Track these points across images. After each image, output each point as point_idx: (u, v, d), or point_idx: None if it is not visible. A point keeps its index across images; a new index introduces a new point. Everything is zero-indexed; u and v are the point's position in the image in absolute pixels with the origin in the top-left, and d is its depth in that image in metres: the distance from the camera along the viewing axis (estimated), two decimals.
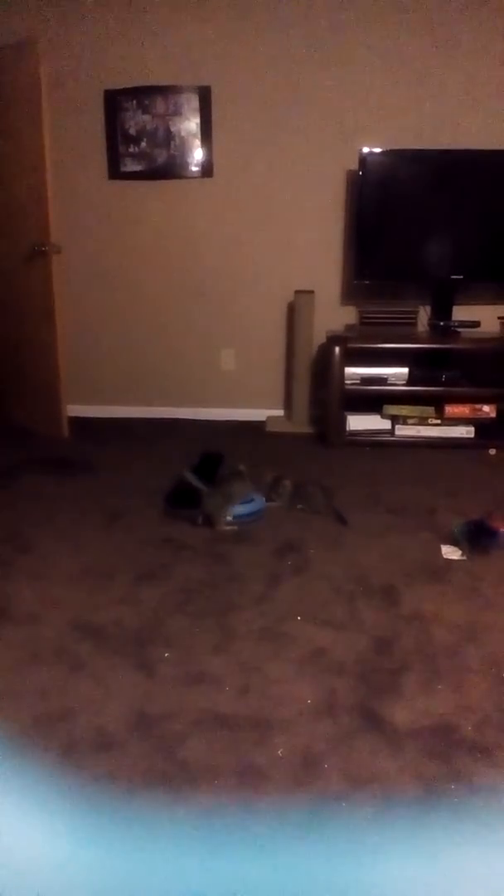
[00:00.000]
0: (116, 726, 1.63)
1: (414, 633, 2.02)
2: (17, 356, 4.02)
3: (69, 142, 3.99)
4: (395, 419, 3.76)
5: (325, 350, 3.73)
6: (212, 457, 3.14)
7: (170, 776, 1.48)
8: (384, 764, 1.52)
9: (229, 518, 2.74)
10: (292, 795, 1.43)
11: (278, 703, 1.72)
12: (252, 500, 2.82)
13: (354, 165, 3.77)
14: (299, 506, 2.88)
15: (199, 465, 3.05)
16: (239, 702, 1.72)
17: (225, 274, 4.15)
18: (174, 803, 1.41)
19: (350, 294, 4.07)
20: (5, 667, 1.86)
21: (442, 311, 3.87)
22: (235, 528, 2.72)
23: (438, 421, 3.73)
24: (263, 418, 4.22)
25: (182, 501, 2.85)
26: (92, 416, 4.29)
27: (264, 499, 2.87)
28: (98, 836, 1.34)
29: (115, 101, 3.95)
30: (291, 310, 4.09)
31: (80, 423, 4.06)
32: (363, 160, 3.66)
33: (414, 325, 3.89)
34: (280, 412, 4.30)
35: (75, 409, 4.15)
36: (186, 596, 2.23)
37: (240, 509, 2.77)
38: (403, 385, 3.73)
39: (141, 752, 1.55)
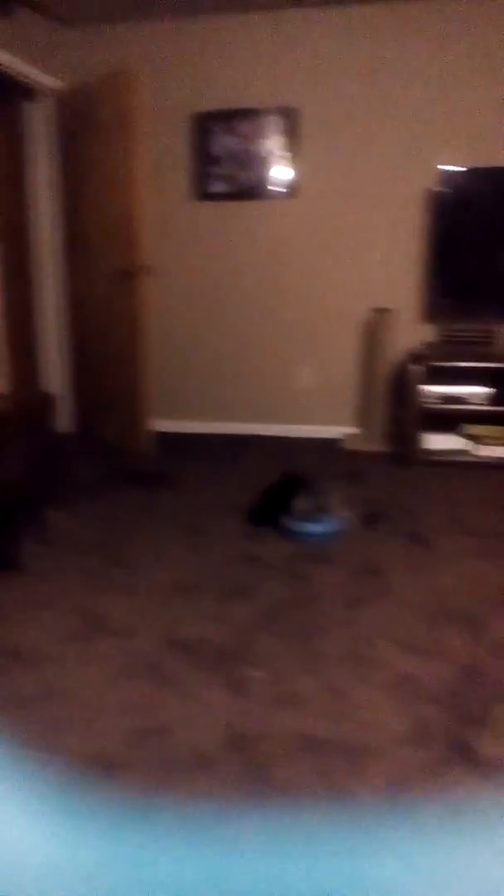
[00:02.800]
0: (209, 744, 1.70)
1: (501, 661, 2.02)
2: (106, 373, 4.18)
3: (158, 164, 4.13)
4: (474, 439, 3.73)
5: (403, 368, 3.74)
6: (290, 476, 3.18)
7: (264, 796, 1.54)
8: (475, 794, 1.53)
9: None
10: (386, 822, 1.47)
11: (368, 728, 1.75)
12: (331, 520, 2.86)
13: (435, 184, 3.77)
14: (378, 526, 2.90)
15: (279, 485, 3.11)
16: (329, 725, 1.76)
17: (305, 292, 4.21)
18: (269, 823, 1.46)
19: (429, 313, 4.06)
20: (102, 679, 1.95)
21: None
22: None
23: None
24: (339, 436, 4.25)
25: (265, 518, 2.92)
26: (177, 430, 4.40)
27: (343, 518, 2.90)
28: (194, 854, 1.40)
29: (202, 124, 4.07)
30: (368, 328, 4.11)
31: (164, 439, 4.18)
32: (443, 178, 3.66)
33: (492, 344, 3.86)
34: (356, 430, 4.32)
35: (162, 424, 4.28)
36: (272, 615, 2.28)
37: (319, 528, 2.82)
38: (483, 405, 3.70)
39: (234, 771, 1.61)
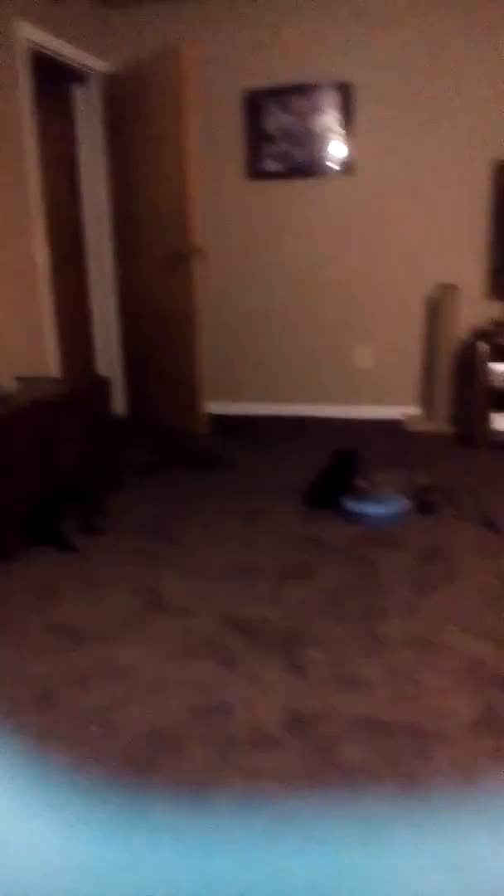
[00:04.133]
0: (271, 724, 1.65)
1: None
2: (160, 356, 4.17)
3: (210, 144, 4.08)
4: None
5: (470, 346, 3.59)
6: (344, 455, 3.09)
7: (327, 779, 1.48)
8: None
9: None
10: (451, 806, 1.38)
11: (434, 713, 1.67)
12: (395, 501, 2.76)
13: (500, 155, 3.59)
14: (446, 510, 2.78)
15: (333, 464, 3.03)
16: (394, 709, 1.69)
17: (364, 270, 4.09)
18: (332, 805, 1.40)
19: (495, 289, 3.89)
20: (162, 657, 1.93)
21: None
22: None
23: None
24: (400, 416, 4.12)
25: (324, 500, 2.85)
26: (231, 413, 4.37)
27: (408, 501, 2.80)
28: (256, 835, 1.35)
29: (254, 102, 3.99)
30: (432, 305, 3.96)
31: (220, 421, 4.15)
32: None
33: None
34: (418, 411, 4.19)
35: (215, 407, 4.25)
36: (332, 597, 2.22)
37: (382, 509, 2.72)
38: None
39: (297, 752, 1.55)
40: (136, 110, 3.87)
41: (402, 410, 4.17)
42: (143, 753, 1.56)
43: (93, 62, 3.92)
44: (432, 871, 1.26)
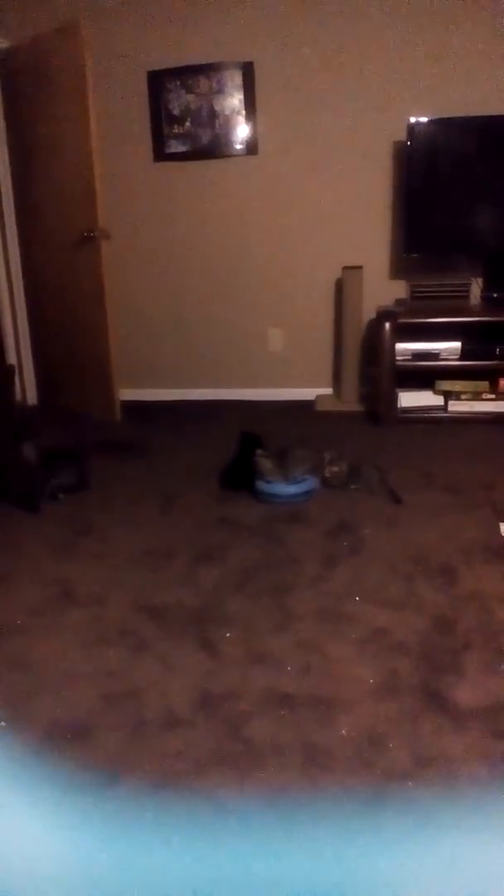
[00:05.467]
0: (183, 705, 1.67)
1: (474, 612, 2.01)
2: (70, 341, 4.09)
3: (114, 125, 3.99)
4: (447, 395, 3.70)
5: (375, 326, 3.69)
6: (250, 437, 3.13)
7: (236, 755, 1.52)
8: (448, 744, 1.52)
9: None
10: (357, 775, 1.45)
11: (340, 682, 1.73)
12: (305, 480, 2.82)
13: (402, 136, 3.68)
14: (353, 485, 2.86)
15: (240, 447, 3.06)
16: (301, 681, 1.74)
17: (271, 253, 4.12)
18: (242, 782, 1.44)
19: (400, 268, 4.00)
20: (73, 647, 1.92)
21: (495, 283, 3.77)
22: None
23: (493, 396, 3.65)
24: (312, 397, 4.20)
25: (236, 482, 2.88)
26: (143, 399, 4.34)
27: (316, 478, 2.87)
28: (168, 814, 1.38)
29: (158, 82, 3.93)
30: (339, 286, 4.04)
31: (132, 407, 4.11)
32: (411, 130, 3.57)
33: (466, 298, 3.80)
34: (329, 391, 4.27)
35: (127, 393, 4.20)
36: (244, 576, 2.26)
37: (292, 489, 2.78)
38: (456, 360, 3.66)
39: (208, 731, 1.59)
40: (36, 88, 3.74)
41: (315, 392, 4.25)
42: (51, 744, 1.56)
43: None
44: (340, 843, 1.32)
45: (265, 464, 2.78)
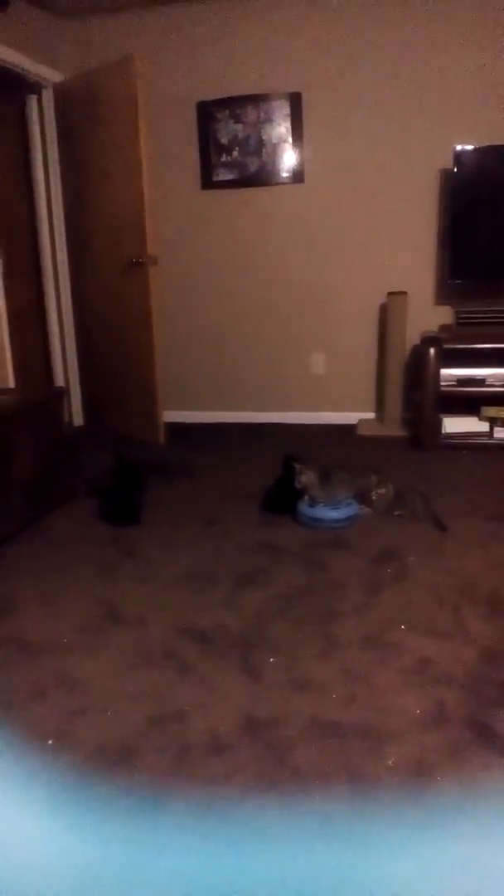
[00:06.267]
0: (227, 729, 1.67)
1: None
2: (116, 365, 4.17)
3: (163, 154, 4.10)
4: (493, 421, 3.66)
5: (420, 351, 3.68)
6: (294, 460, 3.11)
7: (281, 781, 1.50)
8: (497, 776, 1.49)
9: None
10: (404, 805, 1.43)
11: (386, 712, 1.71)
12: (349, 504, 2.81)
13: (447, 164, 3.70)
14: (397, 512, 2.84)
15: (284, 470, 3.05)
16: (347, 710, 1.73)
17: (316, 278, 4.15)
18: (286, 809, 1.43)
19: (444, 295, 3.99)
20: (118, 668, 1.94)
21: None
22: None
23: None
24: (354, 421, 4.19)
25: (278, 506, 2.88)
26: (187, 421, 4.39)
27: (360, 504, 2.85)
28: (212, 839, 1.37)
29: (207, 112, 4.03)
30: (384, 312, 4.05)
31: (176, 429, 4.16)
32: (457, 157, 3.59)
33: None
34: (371, 415, 4.26)
35: (171, 415, 4.26)
36: (287, 602, 2.25)
37: (335, 513, 2.77)
38: (501, 386, 3.63)
39: (252, 757, 1.58)
40: (90, 120, 3.88)
41: (356, 416, 4.24)
42: (98, 764, 1.57)
43: (45, 71, 3.91)
44: (394, 870, 1.30)
45: (308, 477, 2.78)
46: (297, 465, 2.82)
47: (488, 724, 1.65)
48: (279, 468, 3.12)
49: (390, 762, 1.54)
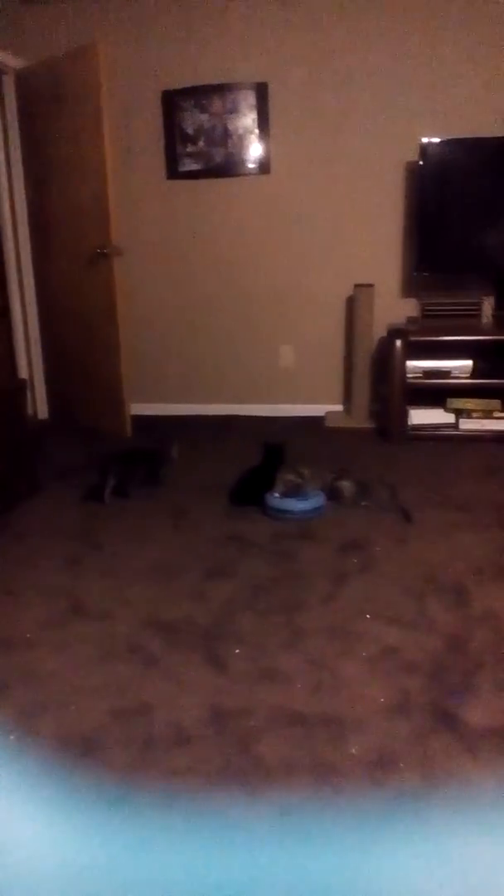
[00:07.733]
0: (192, 721, 1.66)
1: (486, 632, 1.99)
2: (81, 357, 4.11)
3: (128, 144, 4.05)
4: (458, 413, 3.70)
5: (386, 344, 3.70)
6: (274, 448, 3.12)
7: (246, 772, 1.50)
8: (460, 764, 1.51)
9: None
10: (368, 793, 1.43)
11: (351, 701, 1.72)
12: (314, 497, 2.82)
13: (414, 156, 3.71)
14: (363, 503, 2.86)
15: (264, 458, 3.06)
16: (312, 699, 1.73)
17: (283, 270, 4.15)
18: (251, 799, 1.43)
19: (411, 287, 4.02)
20: (82, 662, 1.91)
21: None
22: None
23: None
24: (322, 414, 4.20)
25: (247, 497, 2.88)
26: (154, 413, 4.35)
27: (326, 495, 2.86)
28: (177, 831, 1.37)
29: (172, 102, 3.99)
30: (351, 304, 4.06)
31: (143, 422, 4.12)
32: (423, 150, 3.60)
33: (478, 316, 3.81)
34: (339, 407, 4.28)
35: (137, 408, 4.22)
36: (254, 593, 2.25)
37: (301, 505, 2.78)
38: (467, 378, 3.67)
39: (217, 748, 1.58)
40: (52, 108, 3.80)
41: (325, 408, 4.25)
42: (62, 759, 1.55)
43: (4, 57, 3.82)
44: (356, 859, 1.31)
45: (281, 481, 2.80)
46: (284, 476, 2.86)
47: (452, 712, 1.67)
48: (246, 460, 3.12)
49: (354, 750, 1.55)
